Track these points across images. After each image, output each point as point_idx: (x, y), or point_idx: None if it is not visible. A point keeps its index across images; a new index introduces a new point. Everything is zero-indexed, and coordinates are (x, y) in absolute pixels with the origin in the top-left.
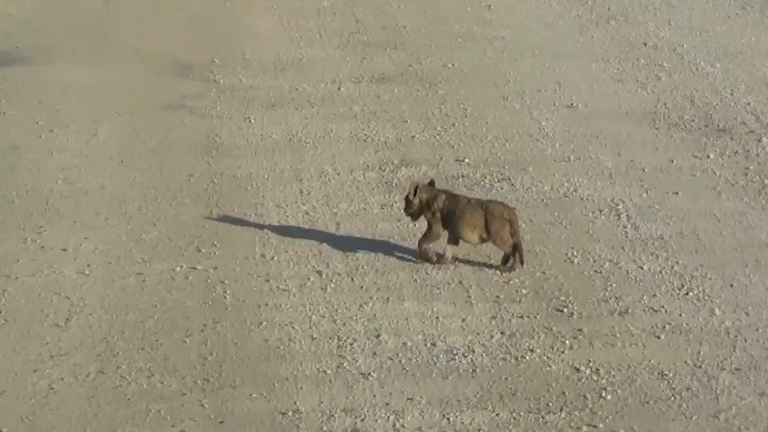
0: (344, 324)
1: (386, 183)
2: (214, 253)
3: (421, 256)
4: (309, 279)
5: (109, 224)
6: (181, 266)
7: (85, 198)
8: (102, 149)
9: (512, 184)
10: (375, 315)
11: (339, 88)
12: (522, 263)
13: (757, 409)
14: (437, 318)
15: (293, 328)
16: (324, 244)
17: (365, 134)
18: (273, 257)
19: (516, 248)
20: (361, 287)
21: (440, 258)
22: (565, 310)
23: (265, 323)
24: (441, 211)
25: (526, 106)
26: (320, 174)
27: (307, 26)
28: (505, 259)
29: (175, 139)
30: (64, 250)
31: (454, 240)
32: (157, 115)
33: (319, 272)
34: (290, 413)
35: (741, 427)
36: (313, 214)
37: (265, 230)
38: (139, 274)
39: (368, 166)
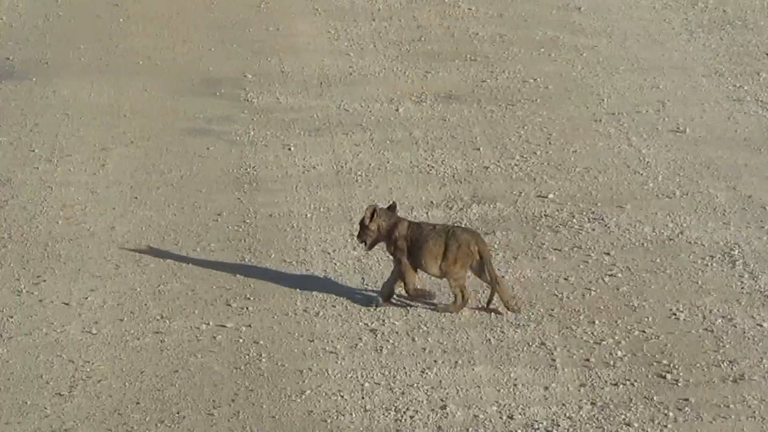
0: (403, 393)
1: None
2: (247, 308)
3: (415, 298)
4: (361, 339)
5: (120, 273)
6: (208, 324)
7: (92, 241)
8: (111, 183)
9: (605, 225)
10: (440, 382)
11: (397, 109)
12: (488, 305)
13: None
14: (515, 385)
15: (342, 397)
16: (379, 296)
17: (428, 165)
18: (318, 313)
19: (492, 286)
20: (424, 349)
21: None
22: (669, 376)
23: (308, 392)
24: (405, 238)
25: (623, 130)
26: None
27: (359, 33)
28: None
29: (199, 171)
30: (67, 304)
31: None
32: (177, 142)
33: (373, 331)
34: None
35: None
36: (365, 261)
37: (309, 280)
38: (156, 333)
39: (432, 203)
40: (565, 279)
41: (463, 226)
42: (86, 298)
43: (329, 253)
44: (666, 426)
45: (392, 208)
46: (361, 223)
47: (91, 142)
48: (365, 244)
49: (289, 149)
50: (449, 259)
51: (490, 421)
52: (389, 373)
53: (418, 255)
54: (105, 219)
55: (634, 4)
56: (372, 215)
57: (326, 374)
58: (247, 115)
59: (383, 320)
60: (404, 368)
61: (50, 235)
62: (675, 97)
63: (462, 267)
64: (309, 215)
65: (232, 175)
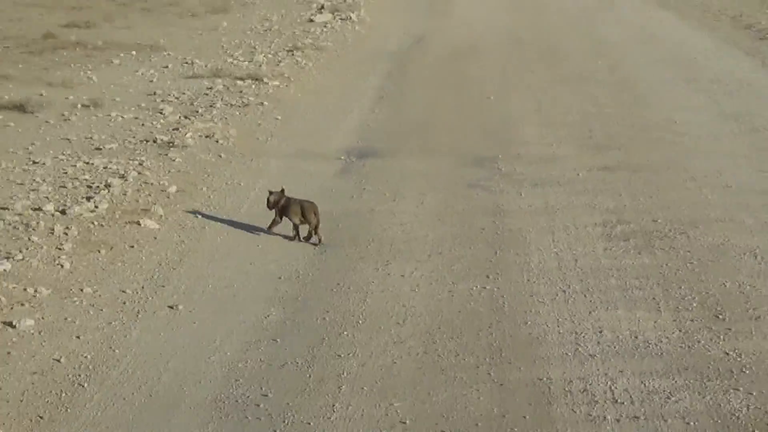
0: None
1: None
2: (498, 278)
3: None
4: None
5: (431, 260)
6: (476, 286)
7: (416, 243)
8: (426, 212)
9: None
10: None
11: (577, 174)
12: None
13: None
14: None
15: None
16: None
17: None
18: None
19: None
20: None
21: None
22: None
23: None
24: (278, 204)
25: None
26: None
27: (557, 135)
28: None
29: (473, 206)
30: (402, 276)
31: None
32: (461, 191)
33: None
34: None
35: None
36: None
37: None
38: (450, 291)
39: None
40: None
41: (307, 200)
42: (413, 272)
43: (540, 251)
44: None
45: (283, 191)
46: (267, 200)
47: (415, 190)
48: (270, 208)
49: (520, 194)
50: (300, 214)
51: None
52: None
53: (288, 212)
54: (423, 231)
55: None
56: (271, 195)
57: None
58: (498, 177)
59: None
60: None
61: (393, 239)
62: None
63: (301, 214)
64: (530, 229)
65: (490, 208)
